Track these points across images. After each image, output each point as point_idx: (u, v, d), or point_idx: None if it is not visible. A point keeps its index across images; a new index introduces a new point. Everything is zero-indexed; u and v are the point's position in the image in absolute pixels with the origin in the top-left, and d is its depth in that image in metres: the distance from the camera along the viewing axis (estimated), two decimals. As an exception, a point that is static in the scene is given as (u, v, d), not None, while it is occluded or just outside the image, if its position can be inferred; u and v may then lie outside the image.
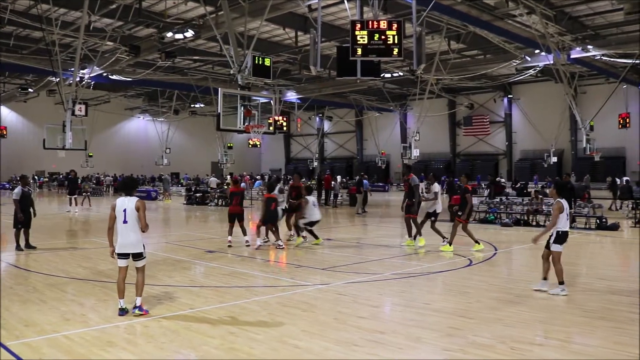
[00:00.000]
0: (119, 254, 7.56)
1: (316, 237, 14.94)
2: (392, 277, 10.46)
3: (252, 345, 6.33)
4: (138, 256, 7.59)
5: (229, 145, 51.08)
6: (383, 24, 14.36)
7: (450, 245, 13.57)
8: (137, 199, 7.64)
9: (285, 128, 40.35)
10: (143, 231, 7.60)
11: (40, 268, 11.27)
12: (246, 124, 19.97)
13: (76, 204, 25.99)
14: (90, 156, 49.71)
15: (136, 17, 25.60)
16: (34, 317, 7.48)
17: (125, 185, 7.88)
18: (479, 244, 13.59)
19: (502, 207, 21.30)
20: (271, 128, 22.43)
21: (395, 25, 14.33)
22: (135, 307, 7.52)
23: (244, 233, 14.48)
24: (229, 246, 14.12)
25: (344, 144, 67.62)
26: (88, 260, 12.23)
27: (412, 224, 14.58)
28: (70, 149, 26.09)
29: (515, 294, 8.96)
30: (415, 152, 37.88)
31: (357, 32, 14.34)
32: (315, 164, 60.77)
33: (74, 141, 25.56)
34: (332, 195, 31.33)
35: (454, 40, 30.93)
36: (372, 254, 13.53)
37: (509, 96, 51.82)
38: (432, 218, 14.32)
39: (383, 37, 14.27)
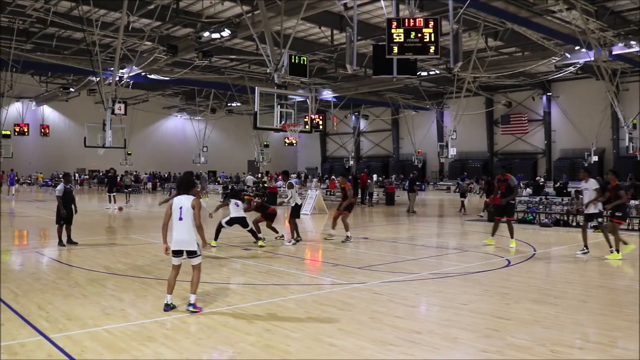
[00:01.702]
0: (173, 251, 7.68)
1: (257, 239, 14.25)
2: (429, 276, 10.39)
3: (288, 342, 6.36)
4: (192, 254, 7.69)
5: (265, 143, 51.37)
6: (419, 22, 14.30)
7: (618, 252, 12.38)
8: (194, 197, 7.79)
9: (321, 127, 40.37)
10: (199, 230, 7.71)
11: (82, 263, 11.51)
12: (283, 122, 20.08)
13: (115, 201, 26.35)
14: (129, 154, 50.58)
15: (174, 17, 25.91)
16: (76, 311, 7.65)
17: (183, 184, 8.05)
18: (628, 244, 12.82)
19: (541, 207, 20.95)
20: (307, 127, 22.49)
21: (431, 23, 14.26)
22: (189, 305, 7.62)
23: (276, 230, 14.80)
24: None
25: (380, 143, 67.36)
26: (127, 257, 12.44)
27: (507, 228, 14.24)
28: (110, 147, 26.53)
29: (554, 295, 8.81)
30: (452, 151, 37.55)
31: (393, 30, 14.31)
32: (351, 162, 60.68)
33: (113, 139, 25.96)
34: (367, 194, 31.27)
35: (492, 37, 30.53)
36: (408, 253, 13.46)
37: (548, 94, 50.88)
38: (597, 220, 13.14)
39: (419, 35, 14.21)
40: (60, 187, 14.10)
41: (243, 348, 6.18)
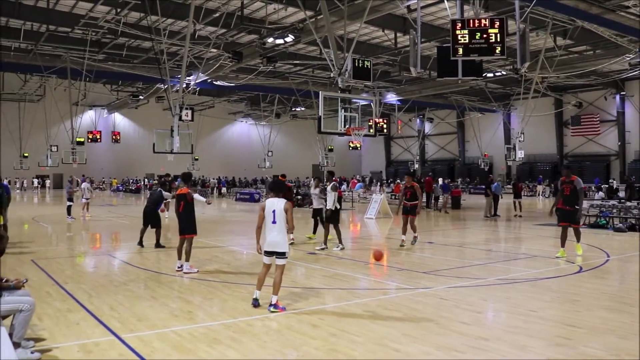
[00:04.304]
0: (265, 252, 7.95)
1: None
2: (496, 282, 10.14)
3: (352, 347, 6.33)
4: (281, 255, 7.91)
5: (329, 147, 51.57)
6: (485, 22, 14.02)
7: None
8: (285, 200, 8.03)
9: (385, 130, 40.25)
10: (290, 232, 8.16)
11: (151, 266, 11.88)
12: (347, 126, 20.10)
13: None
14: (196, 159, 51.78)
15: (238, 25, 26.39)
16: (145, 312, 7.88)
17: (275, 187, 8.39)
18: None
19: (615, 211, 20.12)
20: (371, 130, 22.39)
21: (497, 23, 13.95)
22: (270, 305, 7.83)
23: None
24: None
25: (445, 146, 66.50)
26: (193, 260, 12.64)
27: (574, 233, 12.98)
28: (178, 152, 27.20)
29: (628, 303, 8.45)
30: (520, 154, 36.61)
31: (457, 32, 14.08)
32: (416, 166, 60.11)
33: (181, 145, 26.62)
34: (432, 198, 30.88)
35: (561, 36, 29.64)
36: (475, 258, 13.20)
37: (622, 93, 48.94)
38: None
39: (485, 35, 13.93)
40: (166, 193, 15.20)
41: (307, 352, 6.20)
